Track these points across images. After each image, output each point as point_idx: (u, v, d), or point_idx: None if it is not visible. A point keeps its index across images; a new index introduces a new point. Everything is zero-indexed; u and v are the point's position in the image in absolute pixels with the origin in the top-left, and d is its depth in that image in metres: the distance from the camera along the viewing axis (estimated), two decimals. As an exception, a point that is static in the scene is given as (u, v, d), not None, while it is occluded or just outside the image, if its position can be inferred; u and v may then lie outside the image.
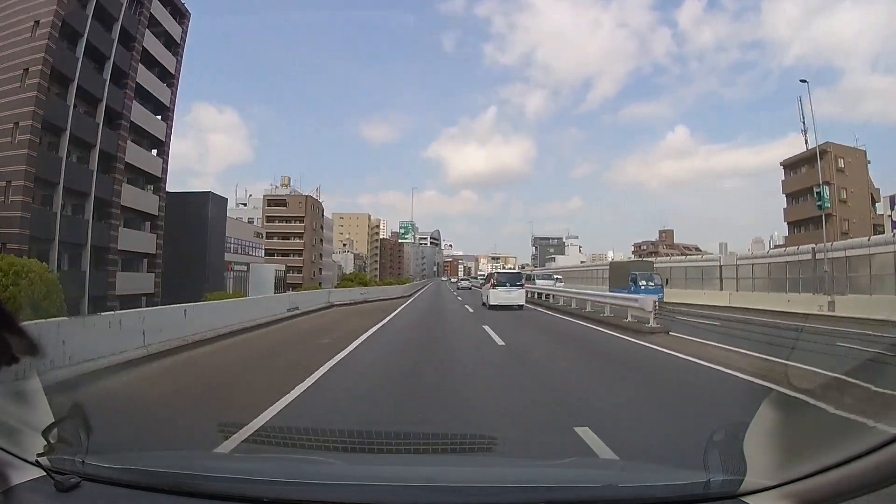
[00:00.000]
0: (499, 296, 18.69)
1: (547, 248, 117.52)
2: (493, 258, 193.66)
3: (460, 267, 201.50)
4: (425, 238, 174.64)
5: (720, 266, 29.85)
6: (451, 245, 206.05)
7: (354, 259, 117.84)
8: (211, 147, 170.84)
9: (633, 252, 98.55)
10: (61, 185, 23.02)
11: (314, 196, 72.50)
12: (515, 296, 18.58)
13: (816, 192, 25.13)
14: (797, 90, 71.02)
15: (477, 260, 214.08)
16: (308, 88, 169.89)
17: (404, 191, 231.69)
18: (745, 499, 1.40)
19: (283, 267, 54.73)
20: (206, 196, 37.08)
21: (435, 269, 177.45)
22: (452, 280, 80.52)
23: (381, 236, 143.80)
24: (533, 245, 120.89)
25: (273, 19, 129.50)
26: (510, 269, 49.05)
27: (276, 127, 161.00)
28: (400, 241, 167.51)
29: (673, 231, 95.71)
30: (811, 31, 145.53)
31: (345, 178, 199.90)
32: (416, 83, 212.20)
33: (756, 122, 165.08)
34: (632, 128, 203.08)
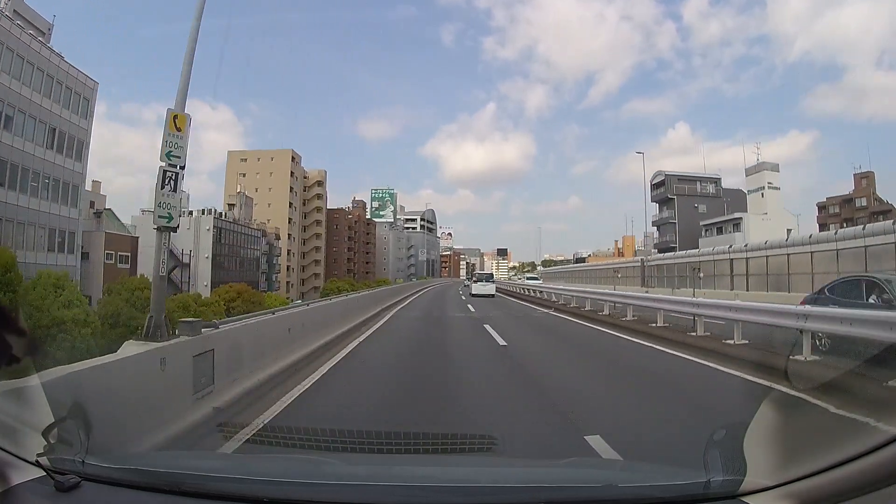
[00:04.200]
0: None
1: (692, 199, 57.54)
2: (498, 251, 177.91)
3: (462, 264, 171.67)
4: (413, 220, 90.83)
5: None
6: (450, 234, 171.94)
7: (212, 238, 54.71)
8: (205, 146, 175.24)
9: (820, 219, 56.51)
10: None
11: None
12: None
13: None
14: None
15: (482, 256, 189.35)
16: (302, 84, 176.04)
17: (403, 190, 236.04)
18: (745, 499, 1.42)
19: None
20: None
21: (427, 259, 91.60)
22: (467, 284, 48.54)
23: (328, 205, 55.86)
24: (657, 198, 39.37)
25: (267, 15, 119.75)
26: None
27: (271, 123, 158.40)
28: (372, 219, 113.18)
29: (874, 174, 54.97)
30: (817, 25, 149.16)
31: (341, 177, 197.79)
32: (414, 79, 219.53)
33: (757, 119, 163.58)
34: (633, 125, 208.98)
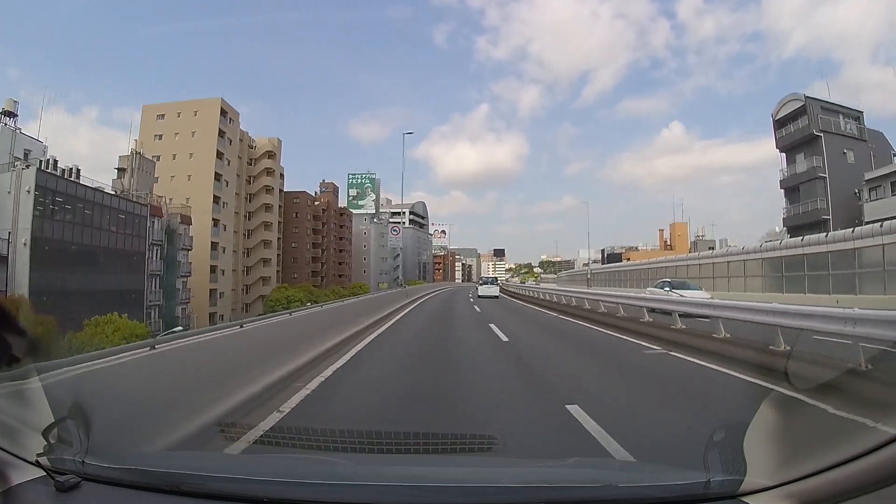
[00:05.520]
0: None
1: (840, 142, 32.67)
2: (495, 252, 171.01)
3: (458, 265, 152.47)
4: (401, 213, 63.29)
5: None
6: (444, 231, 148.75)
7: (32, 211, 34.11)
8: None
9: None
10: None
11: None
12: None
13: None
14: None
15: (479, 257, 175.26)
16: (295, 85, 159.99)
17: (395, 191, 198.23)
18: (744, 499, 1.43)
19: None
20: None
21: (417, 259, 62.49)
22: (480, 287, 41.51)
23: (283, 186, 23.24)
24: (788, 140, 14.12)
25: (258, 15, 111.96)
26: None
27: (263, 124, 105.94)
28: (348, 209, 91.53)
29: None
30: (812, 20, 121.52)
31: (332, 179, 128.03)
32: (407, 79, 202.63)
33: (752, 117, 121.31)
34: (627, 124, 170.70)
